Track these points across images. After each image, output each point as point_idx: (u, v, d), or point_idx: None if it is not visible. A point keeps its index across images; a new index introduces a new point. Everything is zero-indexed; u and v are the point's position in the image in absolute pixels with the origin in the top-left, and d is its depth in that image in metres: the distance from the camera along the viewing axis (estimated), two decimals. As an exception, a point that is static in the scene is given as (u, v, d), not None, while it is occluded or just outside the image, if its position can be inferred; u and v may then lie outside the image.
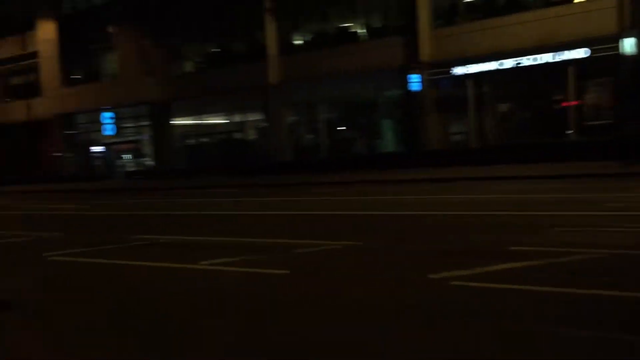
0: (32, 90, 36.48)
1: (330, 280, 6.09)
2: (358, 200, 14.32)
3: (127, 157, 34.42)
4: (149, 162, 32.82)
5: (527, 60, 22.60)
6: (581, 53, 21.68)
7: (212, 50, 31.16)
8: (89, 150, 35.27)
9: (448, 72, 24.54)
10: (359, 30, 27.44)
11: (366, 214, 11.50)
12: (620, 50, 20.76)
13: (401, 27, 25.75)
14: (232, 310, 5.20)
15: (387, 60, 25.20)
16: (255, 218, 12.05)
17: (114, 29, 32.31)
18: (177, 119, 31.60)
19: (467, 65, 23.84)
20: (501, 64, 23.17)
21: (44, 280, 7.11)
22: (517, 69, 22.93)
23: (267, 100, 28.29)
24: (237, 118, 30.55)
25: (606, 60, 21.01)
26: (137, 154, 33.68)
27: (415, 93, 24.85)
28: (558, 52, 21.92)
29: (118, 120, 32.72)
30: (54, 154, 35.38)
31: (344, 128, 28.63)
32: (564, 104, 23.07)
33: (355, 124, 28.01)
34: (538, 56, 22.30)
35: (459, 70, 24.21)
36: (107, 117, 32.45)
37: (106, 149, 34.85)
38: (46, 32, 34.94)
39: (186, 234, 9.75)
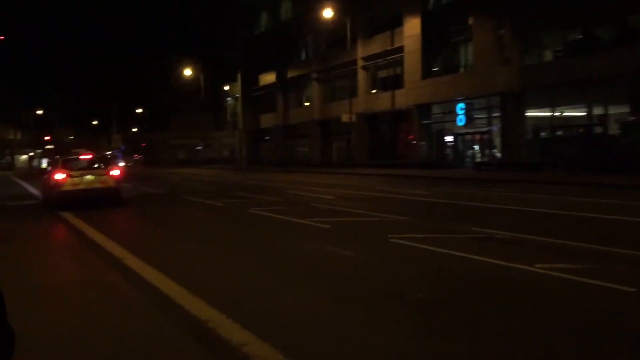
0: (396, 82, 39.74)
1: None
2: None
3: (476, 147, 34.78)
4: (497, 153, 32.54)
5: None
6: None
7: (574, 37, 28.96)
8: (442, 139, 36.76)
9: None
10: None
11: None
12: None
13: None
14: (573, 331, 4.77)
15: None
16: (605, 222, 10.81)
17: (473, 21, 32.79)
18: (530, 110, 30.46)
19: None
20: None
21: (383, 260, 7.68)
22: None
23: (638, 90, 25.04)
24: (598, 110, 27.80)
25: None
26: (486, 144, 33.71)
27: None
28: None
29: (470, 110, 33.23)
30: (412, 142, 37.95)
31: None
32: None
33: None
34: None
35: None
36: (460, 107, 33.29)
37: (456, 138, 35.83)
38: (411, 28, 37.48)
39: (523, 232, 9.33)
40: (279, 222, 11.85)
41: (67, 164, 16.33)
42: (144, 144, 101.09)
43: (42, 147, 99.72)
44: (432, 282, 6.46)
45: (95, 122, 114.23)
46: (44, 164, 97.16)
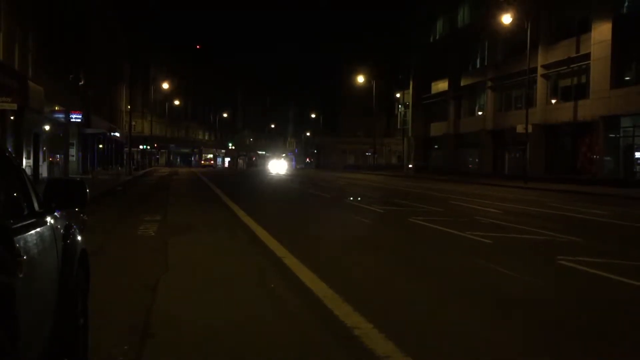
0: (580, 92, 36.79)
1: None
2: None
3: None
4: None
5: None
6: None
7: None
8: (631, 155, 33.29)
9: None
10: None
11: None
12: None
13: None
14: None
15: None
16: None
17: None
18: None
19: None
20: None
21: (546, 282, 7.06)
22: None
23: None
24: None
25: None
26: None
27: None
28: None
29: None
30: (595, 157, 34.90)
31: None
32: None
33: None
34: None
35: None
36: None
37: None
38: (601, 33, 34.38)
39: None
40: (437, 232, 11.52)
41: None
42: (316, 148, 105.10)
43: (225, 147, 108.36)
44: (603, 313, 5.80)
45: (272, 126, 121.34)
46: (226, 163, 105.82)
